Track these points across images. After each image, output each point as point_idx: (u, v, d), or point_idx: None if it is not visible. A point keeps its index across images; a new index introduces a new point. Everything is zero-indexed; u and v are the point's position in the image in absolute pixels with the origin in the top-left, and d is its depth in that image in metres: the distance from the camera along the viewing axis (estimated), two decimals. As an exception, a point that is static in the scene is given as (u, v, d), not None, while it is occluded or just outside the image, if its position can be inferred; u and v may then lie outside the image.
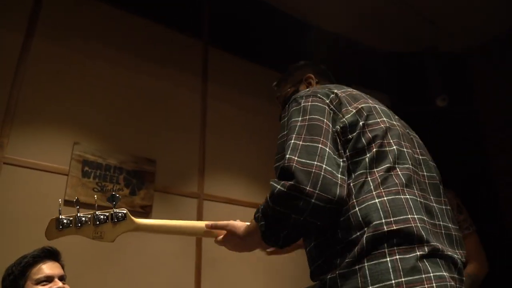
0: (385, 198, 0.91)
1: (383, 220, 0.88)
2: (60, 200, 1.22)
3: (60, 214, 1.16)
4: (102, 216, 1.18)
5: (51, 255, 1.69)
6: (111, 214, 1.18)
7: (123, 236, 2.52)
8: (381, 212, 0.89)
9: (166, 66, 3.15)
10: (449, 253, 0.91)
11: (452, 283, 0.87)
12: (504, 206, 3.56)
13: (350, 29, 3.83)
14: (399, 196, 0.92)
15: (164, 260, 2.65)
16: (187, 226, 1.26)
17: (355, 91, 1.14)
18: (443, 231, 0.97)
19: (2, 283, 1.62)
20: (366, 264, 0.86)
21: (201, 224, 1.25)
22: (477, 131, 3.84)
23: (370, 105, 1.08)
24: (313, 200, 0.87)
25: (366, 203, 0.91)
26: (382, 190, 0.92)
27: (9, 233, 2.19)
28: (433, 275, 0.84)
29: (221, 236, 1.22)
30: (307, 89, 1.12)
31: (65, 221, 1.15)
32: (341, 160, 0.95)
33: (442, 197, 1.05)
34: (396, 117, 1.16)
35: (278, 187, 0.91)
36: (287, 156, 0.93)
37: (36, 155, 2.40)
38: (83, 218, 1.16)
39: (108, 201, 1.18)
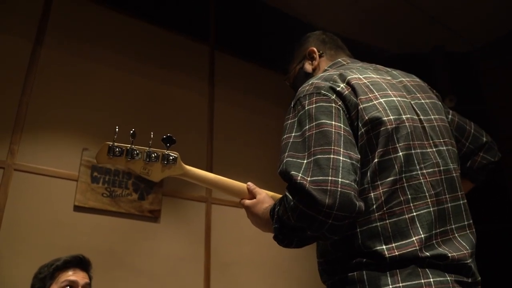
0: (387, 222, 0.88)
1: (384, 246, 0.86)
2: (117, 127, 1.15)
3: (114, 141, 1.12)
4: (153, 154, 1.16)
5: (82, 263, 1.72)
6: (163, 155, 1.17)
7: (133, 240, 2.55)
8: (382, 238, 0.87)
9: (174, 71, 3.16)
10: (460, 262, 0.87)
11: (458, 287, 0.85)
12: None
13: (356, 31, 3.82)
14: (404, 217, 0.88)
15: (174, 264, 2.65)
16: (230, 184, 1.25)
17: (365, 73, 1.06)
18: (456, 235, 0.92)
19: (33, 280, 1.68)
20: (364, 270, 0.86)
21: (243, 185, 1.24)
22: (486, 131, 3.79)
23: (380, 95, 0.99)
24: (330, 221, 0.81)
25: (368, 226, 0.88)
26: (385, 212, 0.89)
27: (20, 238, 2.21)
28: (433, 281, 0.83)
29: (248, 203, 1.19)
30: (310, 82, 1.02)
31: (117, 149, 1.12)
32: (358, 164, 0.89)
33: (458, 192, 0.98)
34: (408, 82, 1.11)
35: (293, 202, 0.84)
36: (300, 175, 0.84)
37: (45, 161, 2.42)
38: (135, 152, 1.13)
39: (162, 141, 1.15)
